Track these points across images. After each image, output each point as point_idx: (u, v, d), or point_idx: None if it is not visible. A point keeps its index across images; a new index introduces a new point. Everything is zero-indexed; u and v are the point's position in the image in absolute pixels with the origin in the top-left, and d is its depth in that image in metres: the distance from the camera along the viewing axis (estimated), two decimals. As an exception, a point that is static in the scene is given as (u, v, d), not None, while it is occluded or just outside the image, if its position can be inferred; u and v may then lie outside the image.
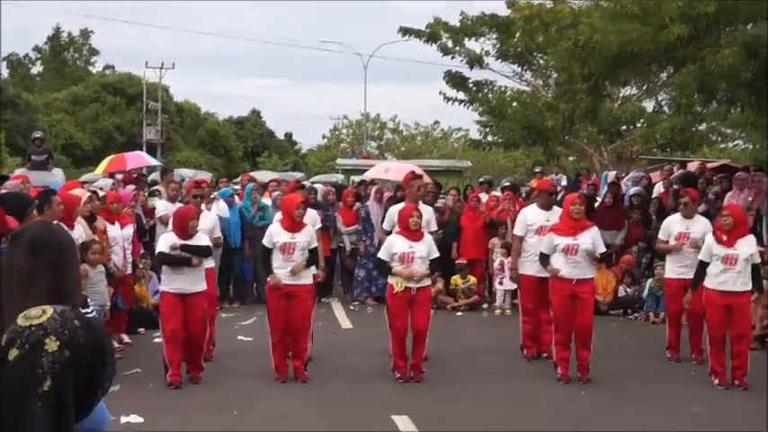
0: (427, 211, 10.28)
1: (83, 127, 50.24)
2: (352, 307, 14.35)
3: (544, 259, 9.47)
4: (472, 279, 14.46)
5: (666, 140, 25.31)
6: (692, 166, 18.33)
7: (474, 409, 8.31)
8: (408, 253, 9.12)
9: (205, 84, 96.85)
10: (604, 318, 12.61)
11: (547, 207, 10.41)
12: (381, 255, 9.37)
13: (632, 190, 15.87)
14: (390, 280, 9.24)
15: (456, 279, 14.43)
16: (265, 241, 9.35)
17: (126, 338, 10.80)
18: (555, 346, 9.52)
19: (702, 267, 9.28)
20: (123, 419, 7.38)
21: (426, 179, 14.98)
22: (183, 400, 8.49)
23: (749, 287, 9.18)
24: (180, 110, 57.58)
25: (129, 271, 10.89)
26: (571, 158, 33.54)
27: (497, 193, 16.30)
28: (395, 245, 9.22)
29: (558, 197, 12.95)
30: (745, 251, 9.08)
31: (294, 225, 9.21)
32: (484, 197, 15.76)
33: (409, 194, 10.59)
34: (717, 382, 9.18)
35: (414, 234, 9.22)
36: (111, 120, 51.83)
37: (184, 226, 9.03)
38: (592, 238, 9.41)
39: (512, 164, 45.81)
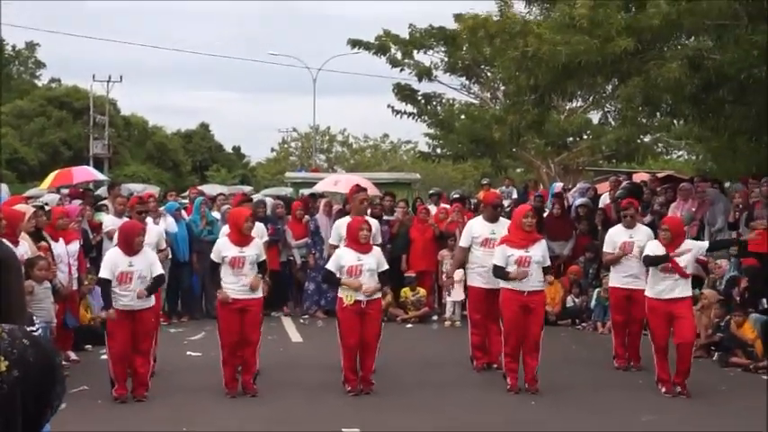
0: (373, 225, 10.29)
1: (28, 141, 49.45)
2: (302, 320, 14.28)
3: (500, 271, 9.38)
4: (422, 291, 14.51)
5: (612, 152, 25.72)
6: (638, 178, 18.58)
7: (425, 420, 8.33)
8: (357, 266, 9.09)
9: (153, 97, 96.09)
10: (553, 328, 12.69)
11: (492, 219, 10.45)
12: (330, 266, 9.33)
13: (578, 201, 16.02)
14: (341, 293, 9.21)
15: (406, 291, 14.47)
16: (213, 256, 9.28)
17: (73, 356, 10.65)
18: (504, 358, 9.56)
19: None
20: (69, 438, 7.26)
21: (373, 191, 15.04)
22: (132, 416, 8.39)
23: (689, 293, 9.37)
24: (127, 123, 56.90)
25: (75, 287, 10.75)
26: (519, 170, 33.85)
27: (446, 205, 16.39)
28: (343, 257, 9.19)
29: (507, 209, 13.09)
30: (685, 258, 9.25)
31: (243, 239, 9.17)
32: (433, 209, 15.85)
33: (353, 207, 10.63)
34: (664, 390, 9.29)
35: (363, 247, 9.21)
36: (57, 134, 51.03)
37: (130, 242, 8.92)
38: (541, 251, 9.49)
39: (461, 176, 46.08)
